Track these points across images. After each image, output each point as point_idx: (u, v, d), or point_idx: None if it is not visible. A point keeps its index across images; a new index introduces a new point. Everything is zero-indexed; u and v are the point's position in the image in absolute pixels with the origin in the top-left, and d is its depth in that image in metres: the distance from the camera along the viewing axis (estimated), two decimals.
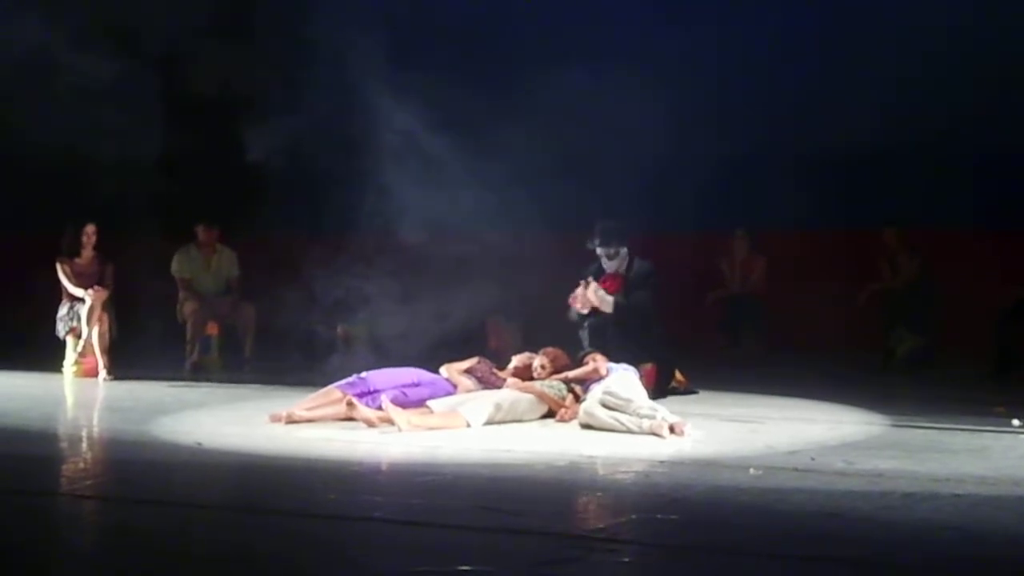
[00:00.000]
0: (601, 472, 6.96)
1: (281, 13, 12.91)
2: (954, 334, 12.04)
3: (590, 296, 9.68)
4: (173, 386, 10.81)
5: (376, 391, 8.51)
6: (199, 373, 11.89)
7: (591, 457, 7.23)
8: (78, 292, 11.73)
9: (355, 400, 8.28)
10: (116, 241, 12.53)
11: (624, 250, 9.98)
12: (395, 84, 10.65)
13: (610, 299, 9.71)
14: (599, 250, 9.97)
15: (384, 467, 7.31)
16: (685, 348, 10.87)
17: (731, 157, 13.16)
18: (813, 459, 6.99)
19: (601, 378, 8.56)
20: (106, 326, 11.64)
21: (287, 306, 11.19)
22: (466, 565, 4.80)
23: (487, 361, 9.28)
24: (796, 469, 6.74)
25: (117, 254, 12.22)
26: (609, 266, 9.97)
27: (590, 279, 9.82)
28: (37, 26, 11.07)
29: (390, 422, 7.99)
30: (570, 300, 9.77)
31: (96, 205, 12.50)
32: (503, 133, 10.62)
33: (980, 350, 11.40)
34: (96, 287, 11.67)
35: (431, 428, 8.03)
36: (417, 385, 8.75)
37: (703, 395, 10.04)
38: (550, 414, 8.63)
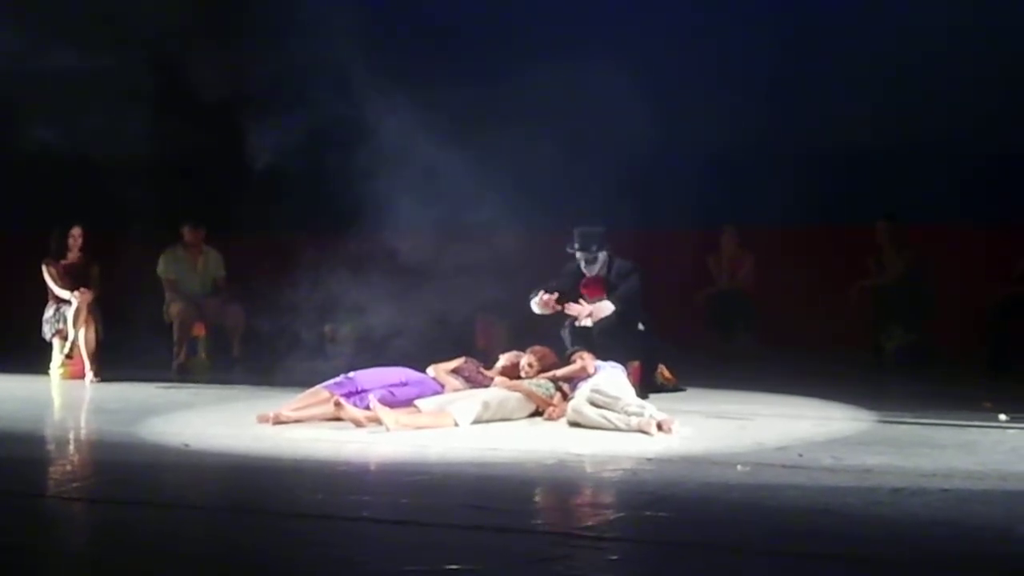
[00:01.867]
0: (589, 470, 6.95)
1: (277, 12, 12.88)
2: (945, 330, 12.05)
3: (588, 309, 9.53)
4: (160, 387, 10.78)
5: (364, 391, 8.50)
6: (186, 374, 11.86)
7: (579, 455, 7.22)
8: (64, 294, 11.69)
9: (343, 400, 8.27)
10: (108, 241, 12.49)
11: (603, 254, 9.91)
12: (383, 82, 10.64)
13: (606, 303, 9.56)
14: (578, 255, 9.92)
15: (372, 467, 7.30)
16: (675, 345, 10.85)
17: (719, 153, 13.17)
18: (801, 455, 7.00)
19: (589, 376, 8.56)
20: (92, 328, 11.59)
21: (275, 306, 11.17)
22: (455, 564, 4.79)
23: (474, 360, 9.27)
24: (785, 465, 6.74)
25: (108, 254, 12.18)
26: (589, 270, 9.91)
27: (541, 293, 9.72)
28: (33, 27, 11.05)
29: (378, 422, 7.98)
30: (575, 311, 9.59)
31: (85, 205, 12.47)
32: (489, 131, 10.60)
33: (972, 347, 11.42)
34: (82, 289, 11.62)
35: (419, 427, 8.02)
36: (405, 384, 8.74)
37: (691, 392, 10.04)
38: (538, 412, 8.63)
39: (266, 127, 11.33)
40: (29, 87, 11.68)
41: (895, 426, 8.13)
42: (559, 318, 9.79)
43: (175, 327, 12.24)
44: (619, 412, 7.93)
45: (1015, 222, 12.44)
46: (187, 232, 12.60)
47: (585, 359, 8.83)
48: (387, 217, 10.74)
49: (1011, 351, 11.13)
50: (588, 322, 9.46)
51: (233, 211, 13.50)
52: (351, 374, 8.75)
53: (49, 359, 11.81)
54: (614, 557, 5.05)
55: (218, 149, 12.76)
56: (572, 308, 9.48)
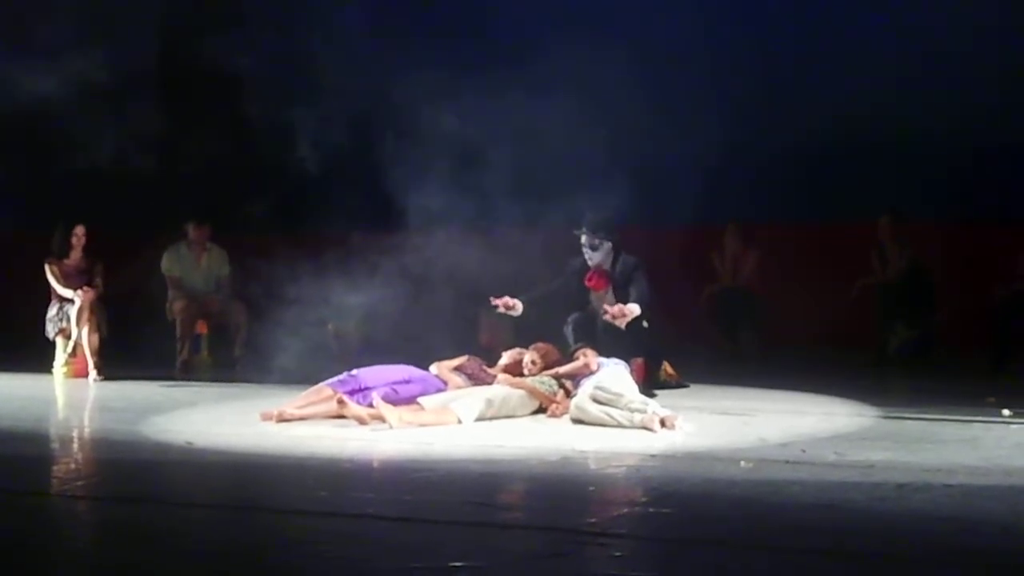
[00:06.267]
0: (593, 466, 6.95)
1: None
2: (949, 327, 12.04)
3: (622, 310, 9.36)
4: (164, 385, 10.79)
5: (367, 388, 8.51)
6: (190, 372, 11.87)
7: (583, 452, 7.22)
8: (67, 293, 11.69)
9: (346, 398, 8.27)
10: (111, 239, 12.49)
11: (608, 244, 9.86)
12: (401, 76, 10.64)
13: (634, 306, 9.37)
14: (583, 239, 9.87)
15: (375, 464, 7.31)
16: (678, 342, 10.85)
17: (722, 150, 13.15)
18: (804, 451, 7.00)
19: (592, 373, 8.56)
20: (95, 327, 11.59)
21: (278, 303, 11.17)
22: (458, 561, 4.79)
23: (477, 358, 9.28)
24: (788, 461, 6.74)
25: (111, 252, 12.18)
26: (593, 257, 9.84)
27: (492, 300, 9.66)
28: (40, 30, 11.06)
29: (381, 419, 7.98)
30: (608, 315, 9.42)
31: (94, 204, 12.47)
32: (492, 127, 10.59)
33: (976, 343, 11.41)
34: (85, 288, 11.63)
35: (422, 424, 8.03)
36: (408, 382, 8.76)
37: (694, 388, 10.05)
38: (541, 410, 8.63)
39: (282, 121, 11.34)
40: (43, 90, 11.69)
41: (898, 422, 8.14)
42: (561, 314, 9.79)
43: (178, 325, 12.24)
44: (622, 409, 7.94)
45: (1018, 217, 12.43)
46: (192, 229, 12.59)
47: (588, 356, 8.83)
48: (388, 214, 10.75)
49: (1014, 347, 11.13)
50: (622, 324, 9.34)
51: (242, 209, 13.49)
52: (354, 371, 8.76)
53: (52, 358, 11.82)
54: (618, 553, 5.04)
55: (230, 145, 12.77)
56: (610, 310, 9.35)
